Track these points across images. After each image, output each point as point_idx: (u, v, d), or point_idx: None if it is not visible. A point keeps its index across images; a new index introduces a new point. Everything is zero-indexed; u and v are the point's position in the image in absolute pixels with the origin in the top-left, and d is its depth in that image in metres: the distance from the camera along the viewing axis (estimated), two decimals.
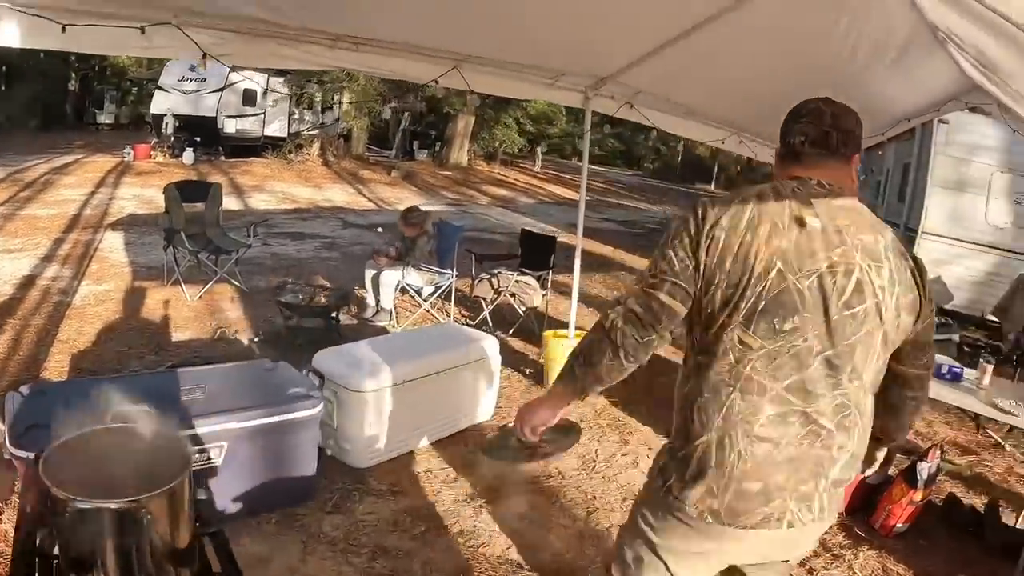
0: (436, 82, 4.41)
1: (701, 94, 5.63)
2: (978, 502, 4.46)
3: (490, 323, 6.60)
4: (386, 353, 4.21)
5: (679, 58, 4.48)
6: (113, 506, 1.34)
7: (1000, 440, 4.33)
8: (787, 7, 3.68)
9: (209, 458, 3.03)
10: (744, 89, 5.38)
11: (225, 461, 3.10)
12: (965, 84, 4.93)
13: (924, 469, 3.59)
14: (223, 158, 20.14)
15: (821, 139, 1.78)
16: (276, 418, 3.22)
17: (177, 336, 5.99)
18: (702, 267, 1.69)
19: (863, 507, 3.97)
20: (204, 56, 3.42)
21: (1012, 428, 4.12)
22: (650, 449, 4.69)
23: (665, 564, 1.87)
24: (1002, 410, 3.85)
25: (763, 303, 1.65)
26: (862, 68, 4.53)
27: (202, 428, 2.98)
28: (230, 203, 13.74)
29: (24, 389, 3.25)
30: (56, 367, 5.14)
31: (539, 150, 32.06)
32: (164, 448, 1.53)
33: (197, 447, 2.93)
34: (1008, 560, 3.70)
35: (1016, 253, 8.82)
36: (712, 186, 42.31)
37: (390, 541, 3.43)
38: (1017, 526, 4.15)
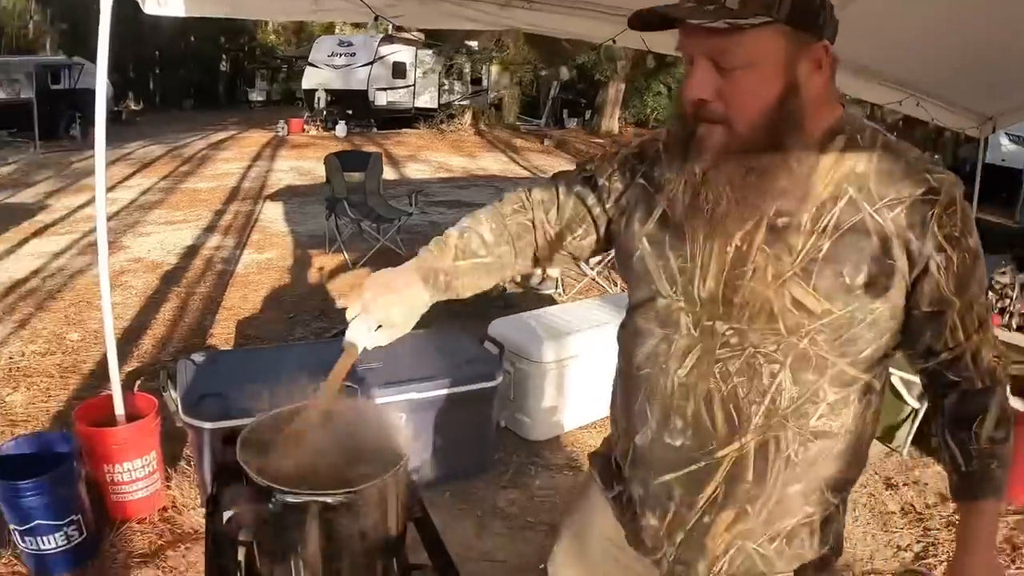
0: (614, 41, 4.25)
1: (876, 51, 4.89)
2: None
3: None
4: (561, 324, 3.99)
5: (852, 11, 3.91)
6: (328, 500, 1.13)
7: None
8: None
9: None
10: (925, 47, 4.70)
11: None
12: None
13: None
14: (375, 130, 20.46)
15: None
16: (457, 388, 3.06)
17: (342, 302, 5.93)
18: None
19: None
20: (376, 18, 3.33)
21: None
22: None
23: None
24: None
25: None
26: None
27: (382, 399, 2.83)
28: (386, 173, 13.86)
29: (197, 357, 3.21)
30: (222, 334, 5.22)
31: None
32: (374, 430, 1.32)
33: None
34: None
35: None
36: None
37: None
38: None
